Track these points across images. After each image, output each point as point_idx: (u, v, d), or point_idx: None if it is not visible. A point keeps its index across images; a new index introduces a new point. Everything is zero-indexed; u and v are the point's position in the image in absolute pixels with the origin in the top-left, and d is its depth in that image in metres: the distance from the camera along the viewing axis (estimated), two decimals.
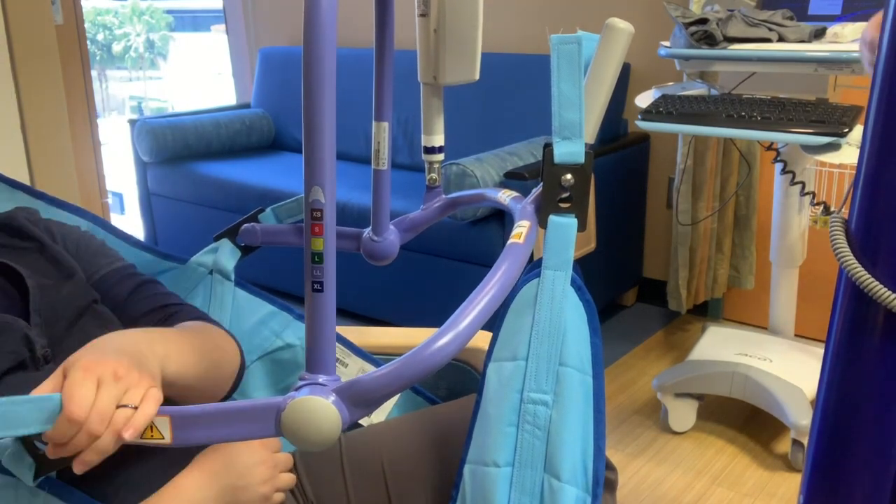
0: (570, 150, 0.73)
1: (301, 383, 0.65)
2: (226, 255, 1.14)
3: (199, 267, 1.15)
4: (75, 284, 0.94)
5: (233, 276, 1.15)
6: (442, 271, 2.60)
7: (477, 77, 0.98)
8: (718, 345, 2.25)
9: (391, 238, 1.09)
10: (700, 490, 1.95)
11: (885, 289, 0.64)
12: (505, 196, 0.94)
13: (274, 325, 1.16)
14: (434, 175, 1.07)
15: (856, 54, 1.58)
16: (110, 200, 3.03)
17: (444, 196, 1.09)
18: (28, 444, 0.64)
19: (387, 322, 2.76)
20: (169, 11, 13.33)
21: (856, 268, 0.65)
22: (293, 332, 1.16)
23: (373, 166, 1.05)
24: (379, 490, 0.97)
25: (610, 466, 0.94)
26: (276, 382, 1.17)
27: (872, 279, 0.64)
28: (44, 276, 0.92)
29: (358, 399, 0.64)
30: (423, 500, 0.96)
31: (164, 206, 3.48)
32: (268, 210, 1.15)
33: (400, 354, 1.18)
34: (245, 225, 1.14)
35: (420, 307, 2.71)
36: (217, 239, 1.16)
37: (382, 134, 1.02)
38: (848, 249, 0.66)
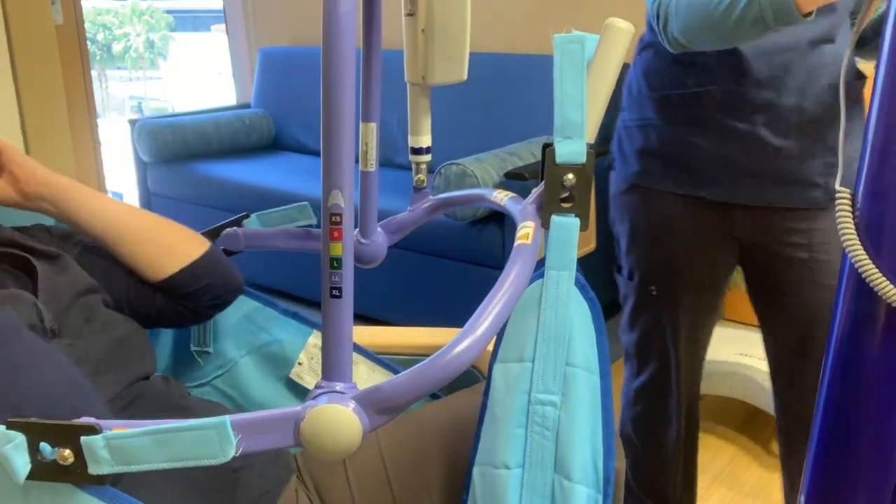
0: (572, 149, 0.73)
1: (318, 391, 0.64)
2: None
3: None
4: (68, 271, 0.97)
5: None
6: (442, 271, 2.60)
7: (465, 77, 0.98)
8: (718, 345, 2.25)
9: (379, 240, 1.09)
10: (700, 490, 1.95)
11: (889, 283, 0.64)
12: (501, 196, 0.94)
13: (259, 319, 1.16)
14: (421, 176, 1.07)
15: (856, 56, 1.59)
16: None
17: (431, 197, 1.09)
18: (33, 445, 0.64)
19: (387, 322, 2.76)
20: (169, 11, 13.35)
21: (862, 258, 0.65)
22: (280, 327, 1.16)
23: (360, 168, 1.04)
24: (382, 488, 0.96)
25: (620, 456, 0.94)
26: (268, 376, 1.17)
27: (877, 271, 0.64)
28: (39, 264, 0.95)
29: (379, 406, 0.63)
30: (427, 496, 0.95)
31: (164, 206, 3.48)
32: (253, 216, 1.14)
33: (405, 355, 1.20)
34: (227, 230, 1.14)
35: (420, 307, 2.71)
36: None
37: (370, 135, 1.01)
38: (856, 237, 0.66)
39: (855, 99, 1.33)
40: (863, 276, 0.65)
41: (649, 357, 1.51)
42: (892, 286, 0.64)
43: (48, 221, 1.07)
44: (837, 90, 1.28)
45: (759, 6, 1.08)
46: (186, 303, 1.03)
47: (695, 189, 1.34)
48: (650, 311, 1.47)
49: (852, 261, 0.65)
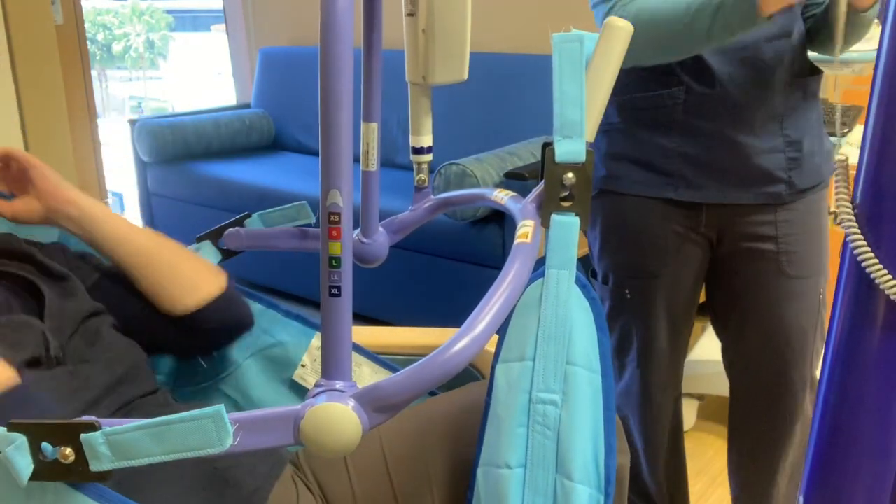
0: (572, 148, 0.73)
1: (318, 390, 0.64)
2: (206, 255, 1.14)
3: None
4: (75, 294, 0.97)
5: None
6: (442, 271, 2.60)
7: (466, 77, 0.98)
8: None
9: (381, 240, 1.09)
10: (700, 490, 1.95)
11: (888, 274, 0.64)
12: (501, 195, 0.94)
13: (262, 322, 1.16)
14: (423, 175, 1.07)
15: (855, 55, 1.59)
16: (110, 200, 3.03)
17: (432, 196, 1.10)
18: (35, 446, 0.64)
19: (387, 322, 2.76)
20: (169, 11, 13.36)
21: (864, 247, 0.65)
22: (282, 329, 1.16)
23: (362, 168, 1.04)
24: (382, 481, 0.97)
25: (624, 450, 0.93)
26: (271, 378, 1.17)
27: (876, 260, 0.64)
28: (47, 288, 0.96)
29: (378, 404, 0.63)
30: (428, 491, 0.96)
31: (164, 206, 3.48)
32: (255, 216, 1.14)
33: (405, 354, 1.20)
34: (229, 230, 1.14)
35: (420, 307, 2.71)
36: (199, 240, 1.15)
37: (371, 135, 1.01)
38: (856, 225, 0.66)
39: (813, 93, 1.35)
40: (863, 266, 0.65)
41: (626, 360, 1.51)
42: (890, 277, 0.64)
43: (50, 230, 1.08)
44: (798, 85, 1.31)
45: (724, 16, 1.13)
46: (199, 337, 1.04)
47: (662, 191, 1.36)
48: (625, 315, 1.48)
49: (853, 251, 0.65)
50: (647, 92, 1.33)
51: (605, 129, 1.40)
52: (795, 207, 1.35)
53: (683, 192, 1.35)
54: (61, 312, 0.93)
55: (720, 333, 1.52)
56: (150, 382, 0.99)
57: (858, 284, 0.67)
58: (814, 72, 1.35)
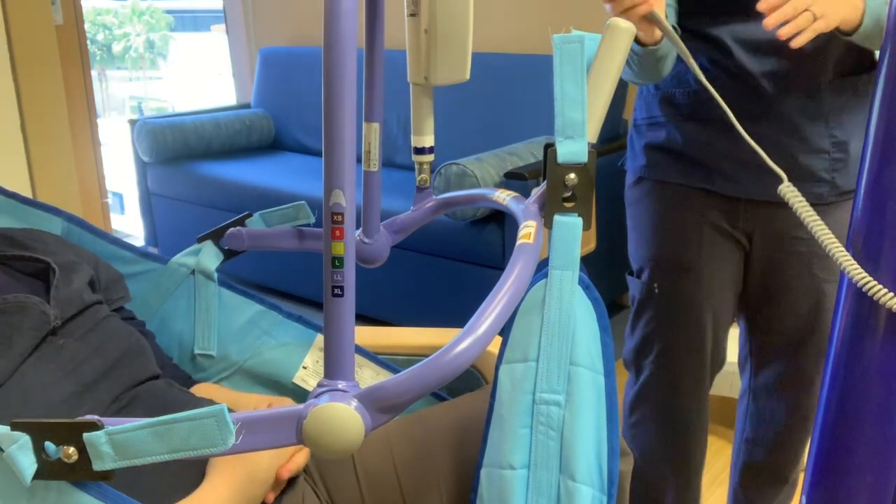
0: (574, 149, 0.73)
1: (320, 390, 0.64)
2: (209, 256, 1.14)
3: (180, 267, 1.15)
4: (81, 281, 0.97)
5: (216, 277, 1.15)
6: (442, 271, 2.60)
7: (468, 77, 0.98)
8: None
9: (382, 240, 1.09)
10: (700, 490, 1.95)
11: (885, 289, 0.64)
12: (503, 196, 0.94)
13: (263, 324, 1.16)
14: (424, 176, 1.07)
15: None
16: (110, 200, 3.03)
17: (434, 197, 1.09)
18: (38, 445, 0.64)
19: (387, 322, 2.76)
20: (169, 11, 13.35)
21: (855, 268, 0.65)
22: (283, 331, 1.16)
23: (363, 168, 1.04)
24: (392, 488, 0.97)
25: (625, 452, 0.94)
26: (272, 380, 1.17)
27: (870, 278, 0.64)
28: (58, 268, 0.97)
29: (381, 405, 0.63)
30: (437, 498, 0.96)
31: (164, 206, 3.48)
32: (256, 216, 1.14)
33: (404, 355, 1.20)
34: (231, 229, 1.14)
35: (420, 307, 2.71)
36: (200, 241, 1.15)
37: (373, 135, 1.01)
38: (846, 253, 0.66)
39: (865, 93, 1.28)
40: (857, 284, 0.65)
41: (645, 363, 1.48)
42: (889, 292, 0.64)
43: (53, 229, 1.09)
44: (847, 83, 1.25)
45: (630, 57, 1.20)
46: None
47: (700, 181, 1.34)
48: (651, 312, 1.45)
49: (848, 276, 0.66)
50: (685, 87, 1.31)
51: (650, 122, 1.39)
52: (835, 209, 1.30)
53: (721, 184, 1.33)
54: (67, 296, 0.94)
55: (748, 333, 1.48)
56: (150, 368, 0.99)
57: (859, 291, 0.67)
58: (866, 70, 1.27)
